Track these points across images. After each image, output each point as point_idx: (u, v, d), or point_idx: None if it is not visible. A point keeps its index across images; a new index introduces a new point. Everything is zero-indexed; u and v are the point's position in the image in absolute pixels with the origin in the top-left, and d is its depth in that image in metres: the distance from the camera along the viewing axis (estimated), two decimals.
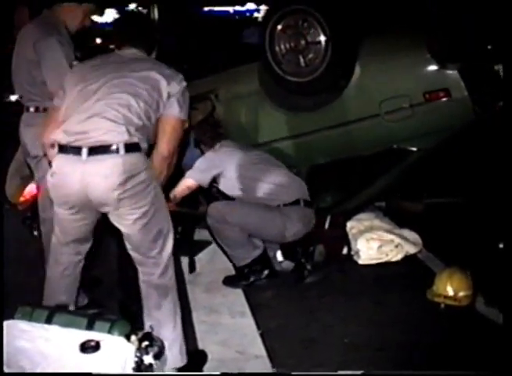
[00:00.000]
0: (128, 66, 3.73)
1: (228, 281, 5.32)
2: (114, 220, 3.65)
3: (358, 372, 3.69)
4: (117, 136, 3.48)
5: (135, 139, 3.52)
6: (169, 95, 3.66)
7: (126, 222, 3.61)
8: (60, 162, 3.60)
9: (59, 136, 3.58)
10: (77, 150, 3.49)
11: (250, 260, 5.26)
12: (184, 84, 3.76)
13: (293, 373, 3.88)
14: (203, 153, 5.71)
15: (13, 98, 8.21)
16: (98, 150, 3.47)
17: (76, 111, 3.60)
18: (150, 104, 3.62)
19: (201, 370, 3.97)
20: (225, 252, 5.47)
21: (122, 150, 3.47)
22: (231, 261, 5.41)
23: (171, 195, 5.35)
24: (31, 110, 4.73)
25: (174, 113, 3.69)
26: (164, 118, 3.69)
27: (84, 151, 3.47)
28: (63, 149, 3.56)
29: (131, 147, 3.50)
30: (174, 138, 3.72)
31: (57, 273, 3.93)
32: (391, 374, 3.72)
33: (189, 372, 3.76)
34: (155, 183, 3.63)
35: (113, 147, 3.47)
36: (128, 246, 3.74)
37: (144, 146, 3.59)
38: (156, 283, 3.75)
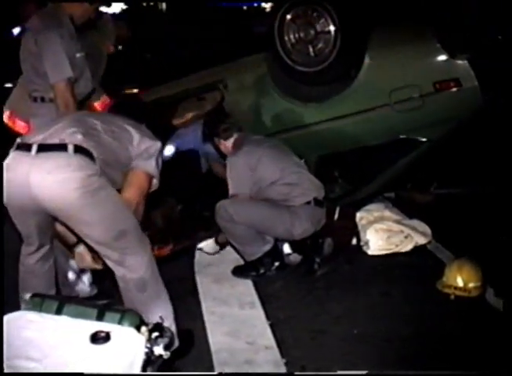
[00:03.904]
0: None
1: (238, 272, 5.31)
2: None
3: (363, 372, 3.68)
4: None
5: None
6: None
7: None
8: None
9: None
10: None
11: (260, 254, 5.26)
12: None
13: (295, 373, 3.87)
14: (215, 146, 5.69)
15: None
16: None
17: None
18: None
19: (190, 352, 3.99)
20: (233, 246, 5.46)
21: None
22: (241, 256, 5.41)
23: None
24: (36, 100, 4.74)
25: None
26: None
27: None
28: None
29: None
30: None
31: None
32: (394, 374, 3.71)
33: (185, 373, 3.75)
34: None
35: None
36: None
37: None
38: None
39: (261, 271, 5.25)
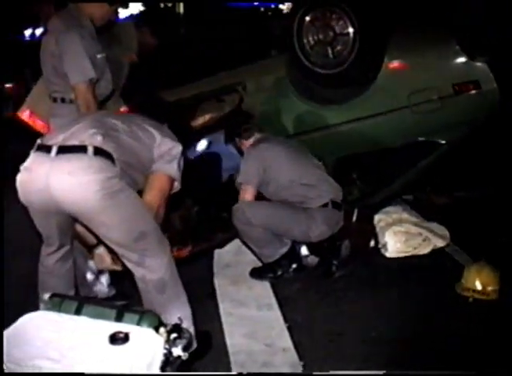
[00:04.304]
0: None
1: (256, 273, 5.31)
2: None
3: (380, 372, 3.67)
4: None
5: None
6: None
7: None
8: None
9: None
10: None
11: (277, 257, 5.25)
12: None
13: (314, 373, 3.87)
14: (237, 147, 5.69)
15: None
16: None
17: None
18: None
19: (208, 353, 4.00)
20: (251, 248, 5.46)
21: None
22: (259, 258, 5.40)
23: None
24: (56, 101, 4.76)
25: None
26: None
27: None
28: None
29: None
30: None
31: None
32: (412, 374, 3.69)
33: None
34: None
35: None
36: None
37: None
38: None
39: (279, 273, 5.25)
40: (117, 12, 5.30)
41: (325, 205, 5.24)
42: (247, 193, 5.29)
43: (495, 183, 6.20)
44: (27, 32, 16.03)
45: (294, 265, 5.29)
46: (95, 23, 4.73)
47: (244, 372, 3.86)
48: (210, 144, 6.20)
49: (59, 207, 3.56)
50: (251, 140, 5.49)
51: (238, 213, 5.17)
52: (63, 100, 4.74)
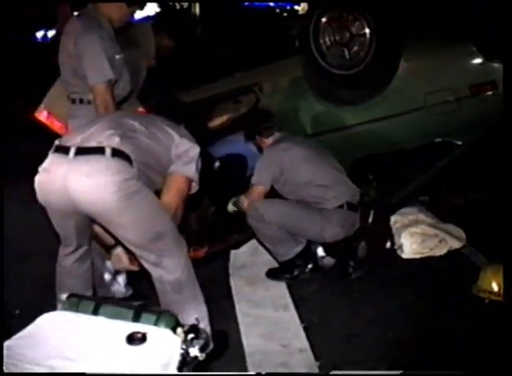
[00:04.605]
0: None
1: (272, 274, 5.31)
2: None
3: (398, 372, 3.67)
4: None
5: None
6: None
7: None
8: None
9: None
10: None
11: (292, 256, 5.24)
12: None
13: (332, 372, 3.87)
14: (257, 145, 5.70)
15: None
16: None
17: None
18: None
19: (224, 353, 4.01)
20: (267, 248, 5.46)
21: None
22: (275, 258, 5.40)
23: (241, 203, 5.41)
24: (74, 102, 4.77)
25: None
26: None
27: None
28: None
29: None
30: None
31: None
32: (430, 374, 3.69)
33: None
34: None
35: None
36: None
37: None
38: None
39: (295, 273, 5.25)
40: (134, 14, 5.30)
41: (340, 206, 5.22)
42: (255, 194, 5.31)
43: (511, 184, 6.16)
44: (39, 34, 16.10)
45: (310, 265, 5.29)
46: (113, 25, 4.75)
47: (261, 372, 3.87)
48: (230, 145, 6.22)
49: (77, 208, 3.58)
50: (271, 139, 5.49)
51: (252, 210, 5.18)
52: (81, 101, 4.75)
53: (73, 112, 4.78)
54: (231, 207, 5.63)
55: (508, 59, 3.71)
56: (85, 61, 4.55)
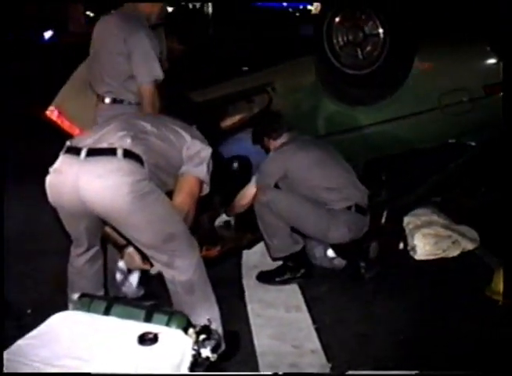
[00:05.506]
0: None
1: (262, 277, 5.27)
2: None
3: (413, 372, 3.65)
4: None
5: None
6: None
7: None
8: None
9: None
10: None
11: (287, 254, 5.19)
12: None
13: (348, 372, 3.86)
14: (265, 147, 5.65)
15: None
16: None
17: None
18: None
19: (236, 354, 4.01)
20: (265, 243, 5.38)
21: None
22: (268, 251, 5.34)
23: (232, 207, 5.42)
24: (107, 101, 4.76)
25: None
26: None
27: None
28: None
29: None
30: None
31: None
32: (444, 374, 3.67)
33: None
34: None
35: None
36: None
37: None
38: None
39: (286, 277, 5.20)
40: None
41: (349, 208, 5.15)
42: (252, 190, 5.31)
43: None
44: (47, 34, 16.16)
45: (303, 270, 5.23)
46: (149, 23, 4.74)
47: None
48: (240, 143, 6.21)
49: (88, 209, 3.57)
50: (279, 141, 5.44)
51: (261, 196, 5.11)
52: (114, 101, 4.74)
53: (102, 112, 4.74)
54: (223, 218, 5.63)
55: (508, 59, 3.68)
56: (137, 61, 4.54)
